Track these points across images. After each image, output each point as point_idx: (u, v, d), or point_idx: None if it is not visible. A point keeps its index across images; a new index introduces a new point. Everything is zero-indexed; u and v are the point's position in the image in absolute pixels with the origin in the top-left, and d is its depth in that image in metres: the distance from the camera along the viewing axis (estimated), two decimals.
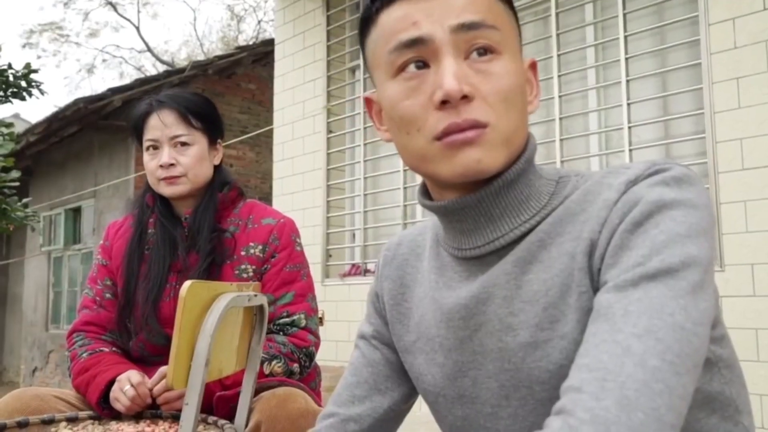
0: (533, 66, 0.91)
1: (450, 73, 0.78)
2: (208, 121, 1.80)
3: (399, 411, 1.04)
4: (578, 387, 0.64)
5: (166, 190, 1.76)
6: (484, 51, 0.80)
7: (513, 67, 0.82)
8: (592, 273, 0.77)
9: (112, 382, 1.57)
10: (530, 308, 0.81)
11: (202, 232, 1.72)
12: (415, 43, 0.80)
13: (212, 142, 1.82)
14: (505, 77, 0.81)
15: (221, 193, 1.80)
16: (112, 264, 1.81)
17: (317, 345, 1.73)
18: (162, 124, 1.74)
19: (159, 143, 1.76)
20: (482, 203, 0.85)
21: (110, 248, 1.84)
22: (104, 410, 1.57)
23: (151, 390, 1.53)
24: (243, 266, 1.71)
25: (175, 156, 1.74)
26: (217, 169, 1.84)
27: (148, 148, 1.78)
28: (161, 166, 1.74)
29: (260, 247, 1.74)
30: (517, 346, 0.82)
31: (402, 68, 0.82)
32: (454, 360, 0.90)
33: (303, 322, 1.70)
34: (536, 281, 0.82)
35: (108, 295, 1.79)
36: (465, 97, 0.78)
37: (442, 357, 0.92)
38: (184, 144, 1.75)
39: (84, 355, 1.69)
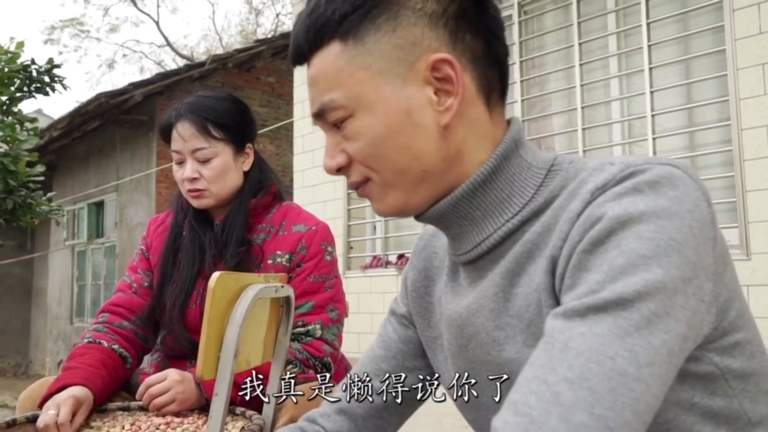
0: (435, 66, 0.80)
1: (325, 153, 0.87)
2: (232, 130, 1.72)
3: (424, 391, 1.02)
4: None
5: (193, 202, 1.72)
6: (338, 124, 0.83)
7: (367, 122, 0.81)
8: (555, 293, 0.73)
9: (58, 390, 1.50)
10: (516, 323, 0.79)
11: (229, 245, 1.68)
12: None
13: (239, 150, 1.75)
14: (361, 136, 0.82)
15: (255, 198, 1.74)
16: (152, 259, 1.81)
17: (333, 355, 1.67)
18: (181, 139, 1.69)
19: (183, 155, 1.71)
20: (459, 207, 0.84)
21: (150, 244, 1.83)
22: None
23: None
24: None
25: (198, 169, 1.69)
26: (249, 174, 1.77)
27: (175, 158, 1.74)
28: (185, 179, 1.70)
29: (287, 256, 1.68)
30: (503, 362, 0.80)
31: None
32: (457, 365, 0.90)
33: (318, 333, 1.65)
34: (521, 296, 0.78)
35: (146, 284, 1.78)
36: (341, 168, 0.85)
37: (450, 360, 0.92)
38: (205, 157, 1.69)
39: (86, 339, 1.67)
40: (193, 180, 1.69)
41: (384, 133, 0.81)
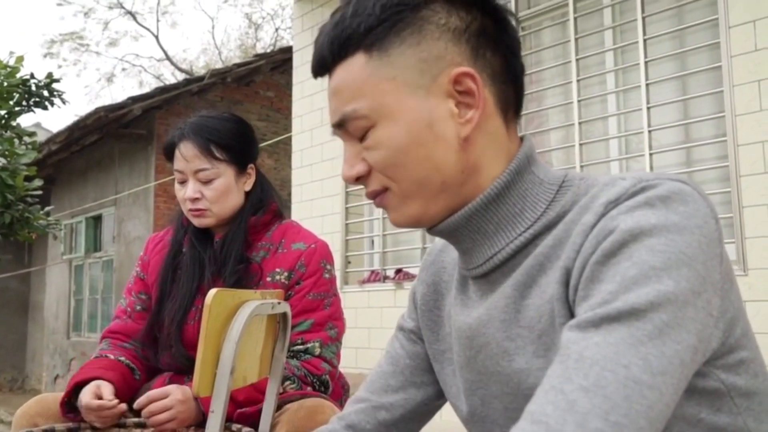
0: (458, 80, 0.83)
1: (344, 162, 0.88)
2: (235, 151, 1.74)
3: (431, 407, 1.04)
4: None
5: (194, 221, 1.74)
6: (360, 135, 0.85)
7: (389, 132, 0.83)
8: (569, 304, 0.75)
9: (79, 385, 1.57)
10: (527, 334, 0.80)
11: (228, 264, 1.69)
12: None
13: (241, 170, 1.76)
14: (382, 146, 0.84)
15: (254, 216, 1.76)
16: (149, 278, 1.82)
17: (332, 373, 1.69)
18: (184, 159, 1.71)
19: (185, 175, 1.72)
20: (472, 221, 0.85)
21: (148, 263, 1.84)
22: (68, 413, 1.56)
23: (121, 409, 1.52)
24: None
25: (200, 189, 1.70)
26: (250, 193, 1.79)
27: (177, 177, 1.75)
28: (187, 199, 1.71)
29: (286, 273, 1.70)
30: (512, 372, 0.82)
31: None
32: (465, 378, 0.90)
33: (317, 351, 1.66)
34: (533, 307, 0.80)
35: (139, 308, 1.80)
36: (360, 177, 0.86)
37: (458, 372, 0.93)
38: (207, 178, 1.71)
39: (93, 356, 1.71)
40: (195, 200, 1.70)
41: (406, 144, 0.82)
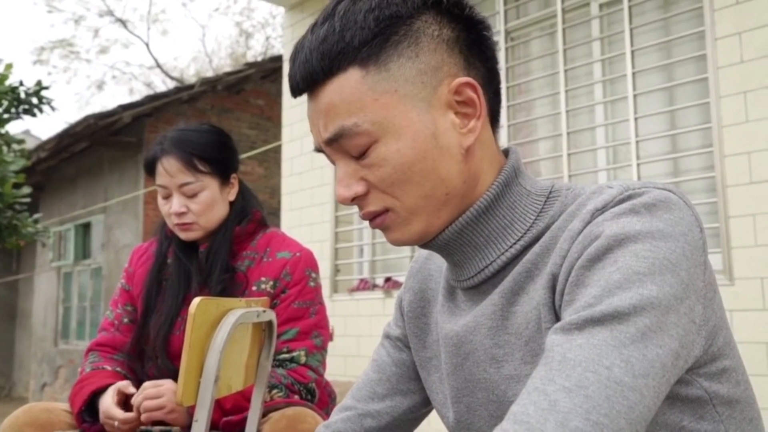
0: (459, 90, 0.83)
1: (338, 182, 0.84)
2: (217, 162, 1.74)
3: (417, 414, 1.04)
4: None
5: (181, 235, 1.74)
6: (359, 153, 0.82)
7: (394, 147, 0.80)
8: (555, 309, 0.75)
9: (95, 394, 1.59)
10: (515, 341, 0.81)
11: (214, 273, 1.69)
12: (319, 149, 0.87)
13: (225, 181, 1.77)
14: (387, 162, 0.81)
15: (239, 226, 1.76)
16: (134, 290, 1.81)
17: (318, 382, 1.69)
18: (168, 174, 1.71)
19: (169, 190, 1.72)
20: (463, 234, 0.86)
21: (133, 274, 1.84)
22: (84, 422, 1.57)
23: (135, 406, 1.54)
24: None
25: (185, 203, 1.70)
26: (234, 203, 1.79)
27: (160, 192, 1.75)
28: (173, 213, 1.71)
29: (271, 282, 1.70)
30: (500, 378, 0.82)
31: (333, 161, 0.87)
32: (451, 385, 0.91)
33: (303, 359, 1.66)
34: (520, 313, 0.80)
35: (126, 320, 1.80)
36: (356, 197, 0.83)
37: (445, 380, 0.93)
38: (193, 191, 1.71)
39: (87, 369, 1.71)
40: (181, 214, 1.70)
41: (412, 158, 0.81)
